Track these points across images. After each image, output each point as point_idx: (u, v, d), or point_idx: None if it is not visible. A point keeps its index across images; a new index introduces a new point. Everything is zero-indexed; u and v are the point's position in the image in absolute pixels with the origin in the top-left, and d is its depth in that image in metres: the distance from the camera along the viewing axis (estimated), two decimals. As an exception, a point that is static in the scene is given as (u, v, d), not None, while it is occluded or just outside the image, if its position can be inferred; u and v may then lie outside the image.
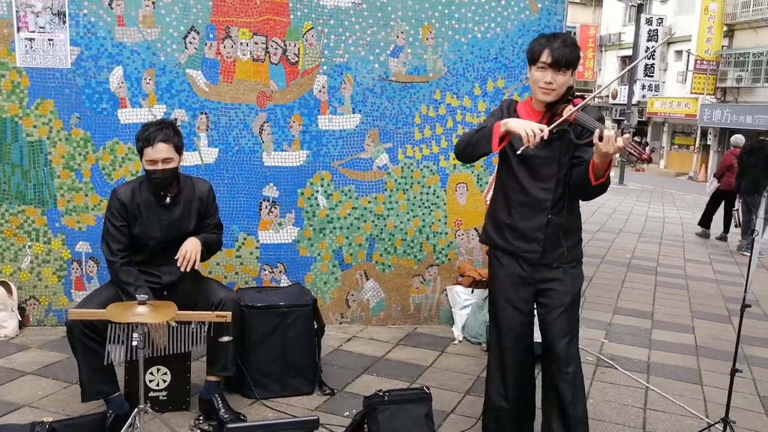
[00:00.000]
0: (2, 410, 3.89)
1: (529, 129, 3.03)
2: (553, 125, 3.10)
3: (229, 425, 2.95)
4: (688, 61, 31.12)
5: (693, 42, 30.55)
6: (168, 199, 3.85)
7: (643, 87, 33.63)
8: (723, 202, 12.56)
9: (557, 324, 3.37)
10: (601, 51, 40.59)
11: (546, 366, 3.47)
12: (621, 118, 32.02)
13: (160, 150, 3.70)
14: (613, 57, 39.36)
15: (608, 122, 3.20)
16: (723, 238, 12.46)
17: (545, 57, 3.17)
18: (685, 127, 33.89)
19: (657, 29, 32.19)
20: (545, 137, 3.05)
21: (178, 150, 3.80)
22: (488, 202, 5.66)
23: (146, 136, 3.72)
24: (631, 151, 2.91)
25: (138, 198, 3.82)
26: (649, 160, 2.96)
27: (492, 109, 4.80)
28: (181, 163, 3.87)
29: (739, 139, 12.92)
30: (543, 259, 3.34)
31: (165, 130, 3.74)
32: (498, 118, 3.29)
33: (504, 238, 3.43)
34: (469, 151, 3.39)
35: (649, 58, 32.52)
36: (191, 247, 3.81)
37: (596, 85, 40.99)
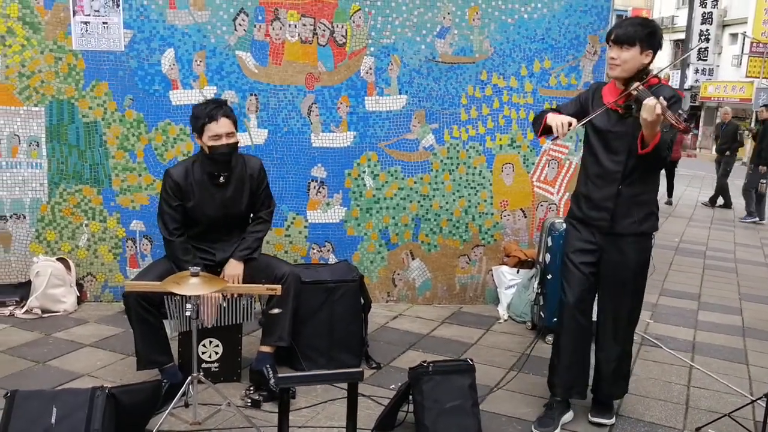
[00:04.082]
0: (64, 378, 4.06)
1: (557, 122, 3.42)
2: (615, 100, 3.43)
3: (279, 375, 3.06)
4: (743, 44, 30.36)
5: (749, 24, 29.77)
6: (222, 179, 3.95)
7: (697, 71, 32.95)
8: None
9: (620, 290, 3.65)
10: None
11: (601, 327, 3.76)
12: (673, 102, 31.35)
13: (224, 125, 3.81)
14: (666, 41, 38.62)
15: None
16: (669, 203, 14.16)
17: (611, 36, 3.50)
18: (739, 112, 33.10)
19: (711, 12, 31.50)
20: (573, 128, 3.41)
21: (236, 127, 3.92)
22: (534, 183, 5.72)
23: (208, 112, 3.80)
24: (672, 120, 3.14)
25: (191, 177, 3.93)
26: (687, 131, 3.14)
27: (527, 87, 5.48)
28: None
29: None
30: (613, 228, 3.58)
31: (224, 107, 3.85)
32: (583, 100, 3.71)
33: (580, 208, 3.70)
34: (533, 125, 3.83)
35: (703, 41, 31.82)
36: (232, 272, 3.96)
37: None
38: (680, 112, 3.22)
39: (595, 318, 3.80)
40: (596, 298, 3.79)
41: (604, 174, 3.57)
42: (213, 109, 3.81)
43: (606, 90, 3.62)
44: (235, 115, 3.93)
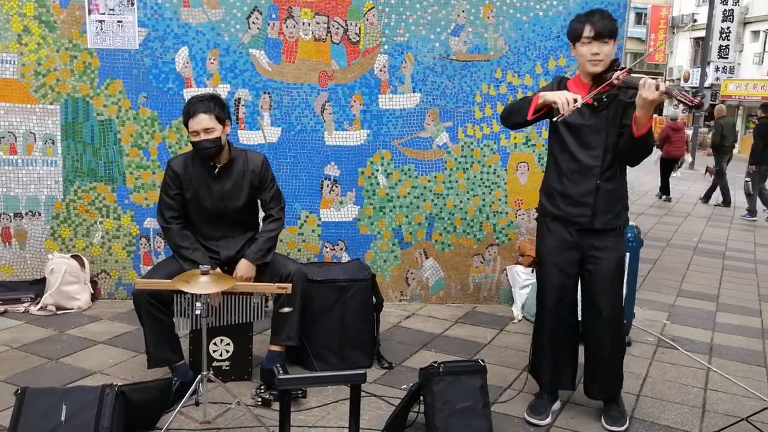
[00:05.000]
0: (76, 375, 4.08)
1: (563, 98, 3.27)
2: (597, 89, 3.34)
3: (280, 376, 3.03)
4: (765, 41, 30.06)
5: (770, 22, 29.52)
6: (216, 170, 3.93)
7: (717, 69, 32.65)
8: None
9: (603, 286, 3.61)
10: (673, 33, 39.48)
11: (588, 324, 3.73)
12: (693, 101, 31.07)
13: (201, 121, 3.77)
14: (686, 39, 38.28)
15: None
16: (664, 198, 14.37)
17: (587, 32, 3.41)
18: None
19: (732, 9, 31.20)
20: (579, 107, 3.28)
21: (221, 120, 3.84)
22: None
23: (187, 109, 3.81)
24: (680, 98, 3.06)
25: (190, 169, 3.94)
26: (700, 105, 3.10)
27: (542, 84, 5.14)
28: (226, 134, 3.92)
29: (674, 113, 15.50)
30: (593, 223, 3.54)
31: (206, 102, 3.82)
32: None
33: (555, 205, 3.63)
34: (508, 117, 3.67)
35: (723, 39, 31.50)
36: (244, 273, 3.94)
37: (667, 68, 39.94)
38: (686, 89, 3.19)
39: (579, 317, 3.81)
40: (579, 296, 3.76)
41: (581, 170, 3.52)
42: (193, 105, 3.81)
43: (572, 84, 3.55)
44: (219, 109, 3.84)
